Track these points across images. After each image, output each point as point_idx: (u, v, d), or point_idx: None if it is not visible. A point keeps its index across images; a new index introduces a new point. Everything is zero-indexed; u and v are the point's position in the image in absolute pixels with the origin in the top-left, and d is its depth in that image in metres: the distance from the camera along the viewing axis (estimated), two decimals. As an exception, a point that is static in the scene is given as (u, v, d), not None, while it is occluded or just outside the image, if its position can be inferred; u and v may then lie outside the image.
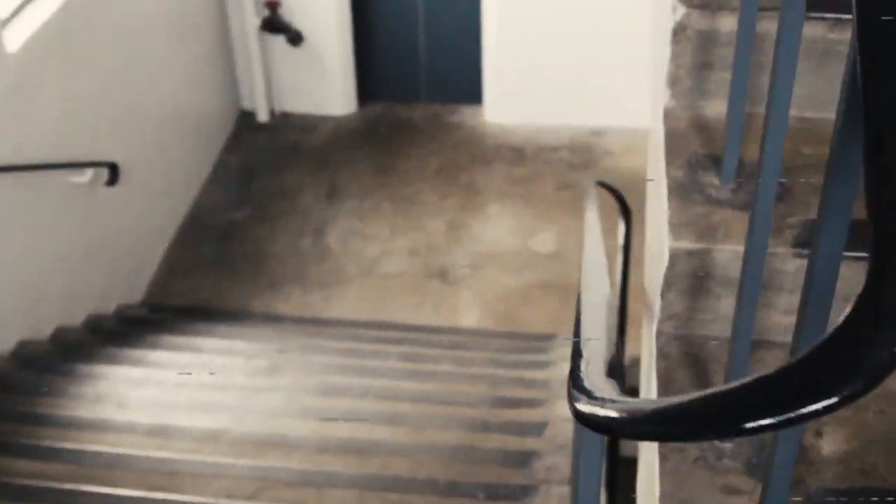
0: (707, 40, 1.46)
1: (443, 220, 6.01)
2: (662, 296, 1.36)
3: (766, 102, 1.04)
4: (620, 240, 3.86)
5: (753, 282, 1.11)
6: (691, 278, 1.34)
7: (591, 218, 3.39)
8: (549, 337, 4.97)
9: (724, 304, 1.37)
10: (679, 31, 1.46)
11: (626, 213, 4.16)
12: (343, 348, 4.44)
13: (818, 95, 1.47)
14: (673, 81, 1.51)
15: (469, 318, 5.28)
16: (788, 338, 1.40)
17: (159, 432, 3.27)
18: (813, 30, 1.43)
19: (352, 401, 3.63)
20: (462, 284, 5.52)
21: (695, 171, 1.43)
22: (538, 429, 3.30)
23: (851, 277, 1.33)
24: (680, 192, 1.39)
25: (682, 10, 1.44)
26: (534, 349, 4.65)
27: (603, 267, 2.14)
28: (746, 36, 1.27)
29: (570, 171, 6.38)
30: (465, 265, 5.65)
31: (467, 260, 5.69)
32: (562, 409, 3.63)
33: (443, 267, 5.65)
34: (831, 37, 1.43)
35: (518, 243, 5.81)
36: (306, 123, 6.79)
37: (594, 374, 0.97)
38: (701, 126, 1.51)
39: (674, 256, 1.32)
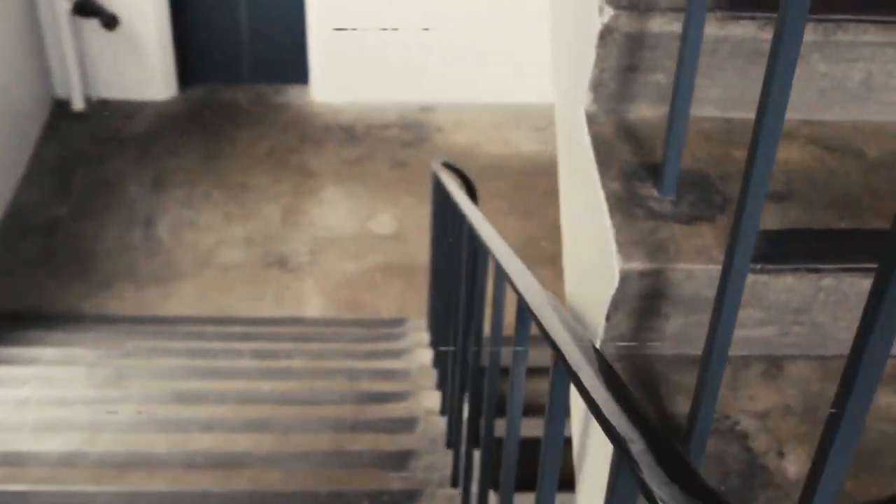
0: (635, 43, 1.43)
1: (277, 205, 5.87)
2: (608, 317, 1.34)
3: (760, 108, 1.01)
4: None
5: (733, 301, 1.09)
6: (640, 299, 1.32)
7: (464, 200, 3.35)
8: (398, 322, 4.94)
9: (672, 323, 1.35)
10: (606, 34, 1.42)
11: (472, 195, 4.17)
12: (190, 348, 4.28)
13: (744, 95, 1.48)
14: (596, 85, 1.47)
15: (313, 306, 5.19)
16: (736, 352, 1.40)
17: (8, 461, 3.06)
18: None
19: (210, 408, 3.50)
20: (303, 272, 5.42)
21: (630, 182, 1.40)
22: (409, 424, 3.27)
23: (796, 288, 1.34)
24: (620, 206, 1.35)
25: (609, 12, 1.41)
26: (385, 337, 4.61)
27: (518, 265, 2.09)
28: (695, 37, 1.24)
29: (403, 148, 6.34)
30: (304, 252, 5.55)
31: (306, 246, 5.59)
32: (428, 401, 3.61)
33: (282, 254, 5.52)
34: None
35: (357, 226, 5.74)
36: (126, 110, 6.49)
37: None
38: (628, 132, 1.48)
39: (625, 278, 1.29)
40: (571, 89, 1.60)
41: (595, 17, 1.42)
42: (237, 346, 4.35)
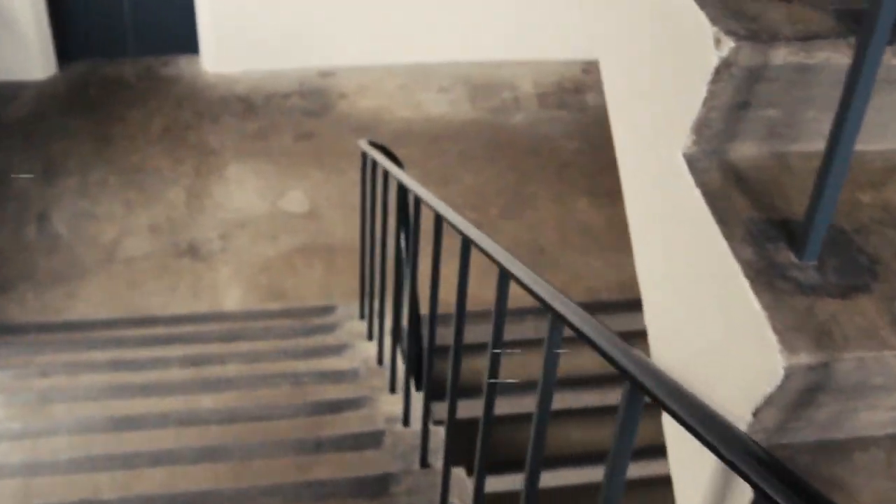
0: (753, 77, 1.22)
1: (180, 188, 5.52)
2: (757, 413, 1.14)
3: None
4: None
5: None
6: (799, 393, 1.12)
7: (413, 183, 3.16)
8: (327, 310, 4.70)
9: (824, 412, 1.16)
10: (723, 69, 1.20)
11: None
12: (112, 359, 3.96)
13: None
14: (700, 126, 1.26)
15: (232, 297, 4.90)
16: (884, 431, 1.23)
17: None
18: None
19: (152, 434, 3.22)
20: (216, 259, 5.11)
21: (762, 245, 1.18)
22: (375, 439, 3.06)
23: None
24: (762, 280, 1.13)
25: (729, 44, 1.19)
26: (319, 329, 4.37)
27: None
28: (870, 69, 1.03)
29: (307, 118, 6.04)
30: (214, 237, 5.23)
31: (216, 231, 5.27)
32: (386, 406, 3.40)
33: (191, 242, 5.20)
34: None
35: (267, 206, 5.44)
36: (3, 92, 6.00)
37: None
38: (738, 178, 1.27)
39: (789, 375, 1.09)
40: (660, 129, 1.38)
41: (708, 49, 1.21)
42: (162, 352, 4.05)
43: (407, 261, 3.63)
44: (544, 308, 1.73)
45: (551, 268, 5.17)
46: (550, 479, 4.78)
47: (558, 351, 1.74)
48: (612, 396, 5.09)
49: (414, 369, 4.24)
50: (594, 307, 5.00)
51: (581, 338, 1.58)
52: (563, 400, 4.87)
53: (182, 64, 6.39)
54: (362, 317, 4.51)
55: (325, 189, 5.55)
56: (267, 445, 3.05)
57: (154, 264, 5.06)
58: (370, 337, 4.19)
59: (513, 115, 6.16)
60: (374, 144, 4.16)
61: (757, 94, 1.24)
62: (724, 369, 1.22)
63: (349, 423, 3.23)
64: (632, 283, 4.78)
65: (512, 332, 5.18)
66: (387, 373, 3.69)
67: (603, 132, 5.29)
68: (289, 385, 3.63)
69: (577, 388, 4.86)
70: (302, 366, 3.85)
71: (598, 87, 6.00)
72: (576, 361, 4.93)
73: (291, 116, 6.03)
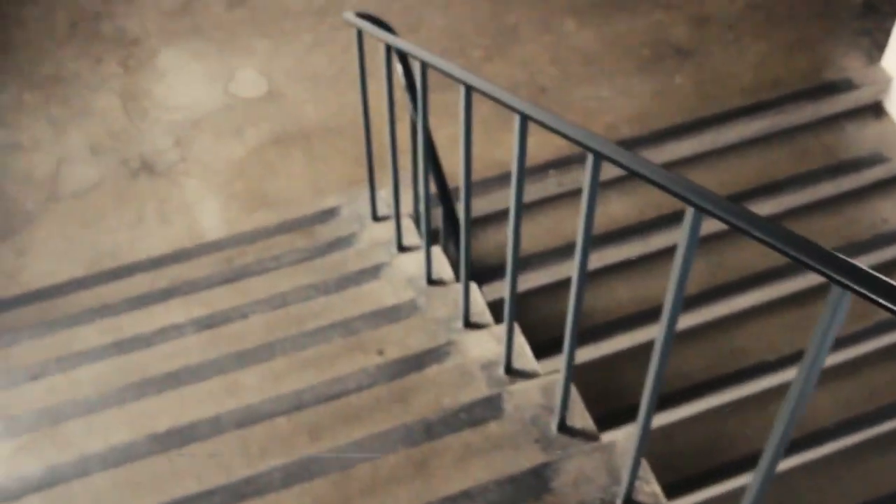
0: None
1: (110, 93, 4.67)
2: None
3: None
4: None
5: None
6: None
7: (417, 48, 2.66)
8: (330, 212, 4.03)
9: None
10: None
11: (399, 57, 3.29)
12: (110, 339, 3.28)
13: None
14: None
15: (208, 214, 4.18)
16: None
17: None
18: None
19: (207, 447, 2.61)
20: (178, 172, 4.35)
21: None
22: (491, 406, 2.49)
23: None
24: None
25: None
26: (336, 244, 3.71)
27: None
28: None
29: (232, -22, 5.15)
30: (169, 145, 4.45)
31: (168, 137, 4.48)
32: (474, 348, 2.83)
33: (143, 157, 4.41)
34: None
35: (218, 94, 4.64)
36: None
37: None
38: None
39: None
40: None
41: None
42: (164, 314, 3.37)
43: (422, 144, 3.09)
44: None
45: (559, 108, 4.53)
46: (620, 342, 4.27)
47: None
48: (656, 242, 4.59)
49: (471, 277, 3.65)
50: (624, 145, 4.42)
51: (634, 174, 1.63)
52: (601, 257, 4.36)
53: (68, -63, 5.38)
54: (376, 218, 3.87)
55: (278, 61, 4.75)
56: (364, 442, 2.46)
57: (107, 193, 4.29)
58: (401, 247, 3.56)
59: (466, -68, 5.34)
60: (360, 15, 3.44)
61: None
62: None
63: (444, 386, 2.65)
64: (648, 112, 4.14)
65: (532, 192, 4.53)
66: (452, 296, 3.09)
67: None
68: (340, 337, 3.01)
69: (614, 242, 4.35)
70: (340, 303, 3.22)
71: None
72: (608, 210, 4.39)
73: (214, -21, 5.13)
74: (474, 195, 4.34)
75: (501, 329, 2.73)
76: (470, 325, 2.99)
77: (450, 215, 3.52)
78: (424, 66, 2.76)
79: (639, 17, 4.91)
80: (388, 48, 3.17)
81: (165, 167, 4.36)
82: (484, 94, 2.28)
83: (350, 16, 3.37)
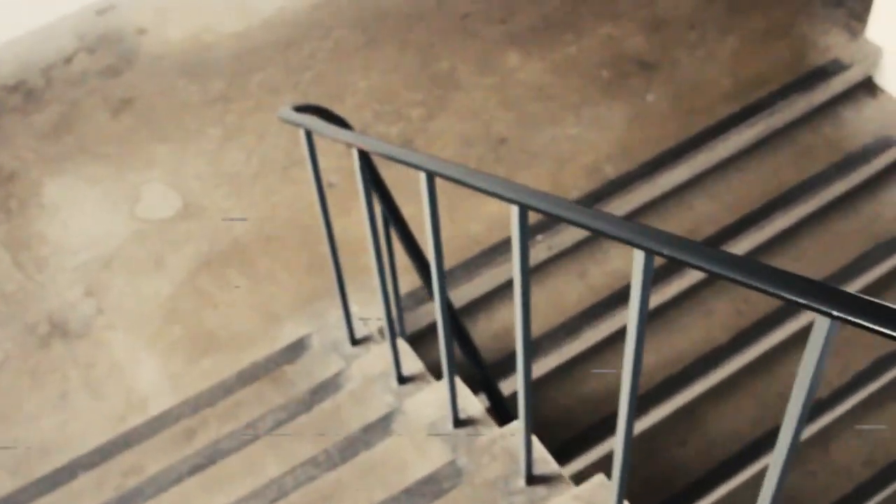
0: None
1: (-6, 244, 3.87)
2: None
3: None
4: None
5: None
6: None
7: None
8: (297, 346, 3.30)
9: None
10: None
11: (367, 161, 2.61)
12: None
13: None
14: None
15: (148, 374, 3.41)
16: None
17: None
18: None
19: None
20: (98, 328, 3.57)
21: None
22: None
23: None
24: None
25: None
26: (320, 391, 2.99)
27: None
28: None
29: (113, 80, 4.36)
30: (79, 296, 3.66)
31: (77, 287, 3.69)
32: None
33: (51, 318, 3.62)
34: None
35: (124, 221, 3.87)
36: None
37: None
38: None
39: None
40: None
41: None
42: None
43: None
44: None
45: (525, 160, 3.87)
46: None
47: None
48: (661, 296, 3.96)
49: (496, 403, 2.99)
50: (611, 190, 3.79)
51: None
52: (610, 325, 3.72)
53: None
54: (354, 342, 3.17)
55: (186, 167, 4.00)
56: None
57: (16, 372, 3.49)
58: (401, 378, 2.87)
59: (366, -24, 4.65)
60: (302, 109, 2.75)
61: None
62: None
63: None
64: (628, 143, 3.45)
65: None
66: (499, 442, 2.41)
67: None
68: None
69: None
70: (355, 480, 2.50)
71: None
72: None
73: (90, 86, 4.35)
74: (457, 280, 3.67)
75: (591, 488, 2.06)
76: (534, 479, 2.31)
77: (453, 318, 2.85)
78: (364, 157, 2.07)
79: (585, 35, 4.28)
80: (362, 155, 2.45)
81: (81, 325, 3.58)
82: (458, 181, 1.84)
83: (289, 113, 2.65)
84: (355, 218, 3.41)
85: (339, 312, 3.43)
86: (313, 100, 4.12)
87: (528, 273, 1.84)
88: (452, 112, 4.05)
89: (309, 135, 2.61)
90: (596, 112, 4.00)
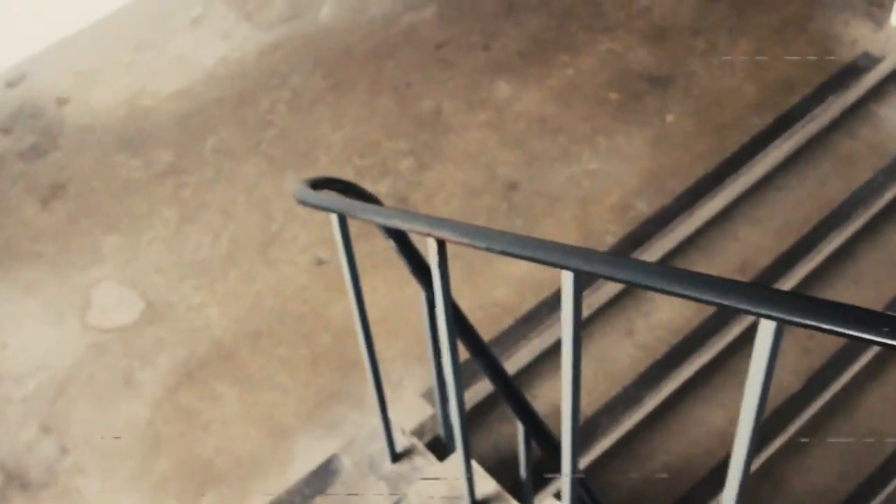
0: None
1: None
2: None
3: None
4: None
5: None
6: None
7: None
8: (326, 468, 2.68)
9: None
10: None
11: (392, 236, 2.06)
12: None
13: None
14: None
15: (136, 521, 2.76)
16: None
17: None
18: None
19: None
20: (64, 473, 2.90)
21: None
22: None
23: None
24: None
25: None
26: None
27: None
28: None
29: (38, 161, 3.68)
30: (35, 436, 2.99)
31: (31, 424, 3.02)
32: None
33: (4, 467, 2.94)
34: None
35: (76, 333, 3.20)
36: None
37: None
38: None
39: None
40: None
41: None
42: None
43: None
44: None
45: (544, 206, 3.33)
46: None
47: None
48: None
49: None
50: (651, 230, 3.26)
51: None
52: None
53: None
54: (395, 457, 2.58)
55: (142, 259, 3.35)
56: None
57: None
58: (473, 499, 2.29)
59: (317, 11, 4.05)
60: (321, 184, 2.15)
61: None
62: None
63: None
64: (655, 172, 2.88)
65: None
66: None
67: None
68: None
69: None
70: None
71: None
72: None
73: (11, 171, 3.66)
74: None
75: None
76: None
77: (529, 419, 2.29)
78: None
79: (582, 53, 3.76)
80: (401, 238, 1.89)
81: (43, 471, 2.90)
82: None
83: (310, 194, 2.03)
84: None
85: (359, 416, 2.84)
86: (281, 160, 3.52)
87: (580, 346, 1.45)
88: (447, 158, 3.48)
89: (343, 220, 2.01)
90: (613, 141, 3.47)
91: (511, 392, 2.24)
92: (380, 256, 3.24)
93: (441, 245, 1.68)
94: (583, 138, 3.49)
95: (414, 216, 1.88)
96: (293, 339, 3.08)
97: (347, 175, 3.47)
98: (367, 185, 3.46)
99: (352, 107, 3.68)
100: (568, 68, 3.71)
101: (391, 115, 3.63)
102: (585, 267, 1.35)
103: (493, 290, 3.13)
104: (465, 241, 1.60)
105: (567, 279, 1.39)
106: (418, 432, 2.88)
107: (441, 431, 2.73)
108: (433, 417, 2.91)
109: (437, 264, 1.69)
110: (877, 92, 3.78)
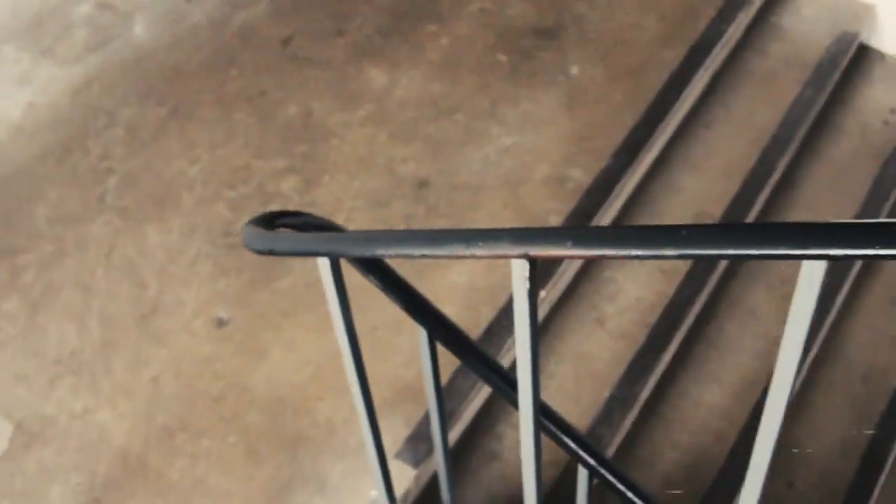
0: None
1: None
2: None
3: None
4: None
5: None
6: None
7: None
8: None
9: None
10: None
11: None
12: None
13: None
14: None
15: None
16: None
17: None
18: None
19: None
20: None
21: None
22: None
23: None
24: None
25: None
26: None
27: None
28: None
29: None
30: None
31: None
32: None
33: None
34: None
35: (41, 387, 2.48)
36: None
37: None
38: None
39: None
40: None
41: None
42: None
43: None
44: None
45: (467, 198, 2.83)
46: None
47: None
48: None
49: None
50: (598, 198, 2.80)
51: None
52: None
53: None
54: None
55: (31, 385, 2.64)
56: None
57: None
58: None
59: (129, 31, 3.38)
60: (269, 220, 1.57)
61: None
62: None
63: None
64: (577, 130, 2.49)
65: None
66: None
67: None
68: None
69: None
70: None
71: None
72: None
73: None
74: (459, 391, 2.57)
75: None
76: None
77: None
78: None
79: (451, 18, 3.27)
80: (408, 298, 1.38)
81: None
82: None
83: (272, 239, 1.46)
84: (278, 359, 2.29)
85: (324, 501, 2.30)
86: (135, 212, 2.88)
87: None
88: (336, 168, 2.93)
89: (336, 265, 1.45)
90: (519, 109, 3.00)
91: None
92: (287, 301, 2.68)
93: (532, 263, 1.16)
94: (484, 113, 3.00)
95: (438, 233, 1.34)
96: (215, 427, 2.47)
97: (222, 213, 2.87)
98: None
99: (202, 131, 3.06)
100: (441, 38, 3.21)
101: (253, 132, 3.04)
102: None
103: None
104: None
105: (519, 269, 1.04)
106: (405, 499, 2.36)
107: (446, 496, 2.21)
108: (416, 478, 2.39)
109: (528, 291, 1.16)
110: (771, 2, 3.46)
